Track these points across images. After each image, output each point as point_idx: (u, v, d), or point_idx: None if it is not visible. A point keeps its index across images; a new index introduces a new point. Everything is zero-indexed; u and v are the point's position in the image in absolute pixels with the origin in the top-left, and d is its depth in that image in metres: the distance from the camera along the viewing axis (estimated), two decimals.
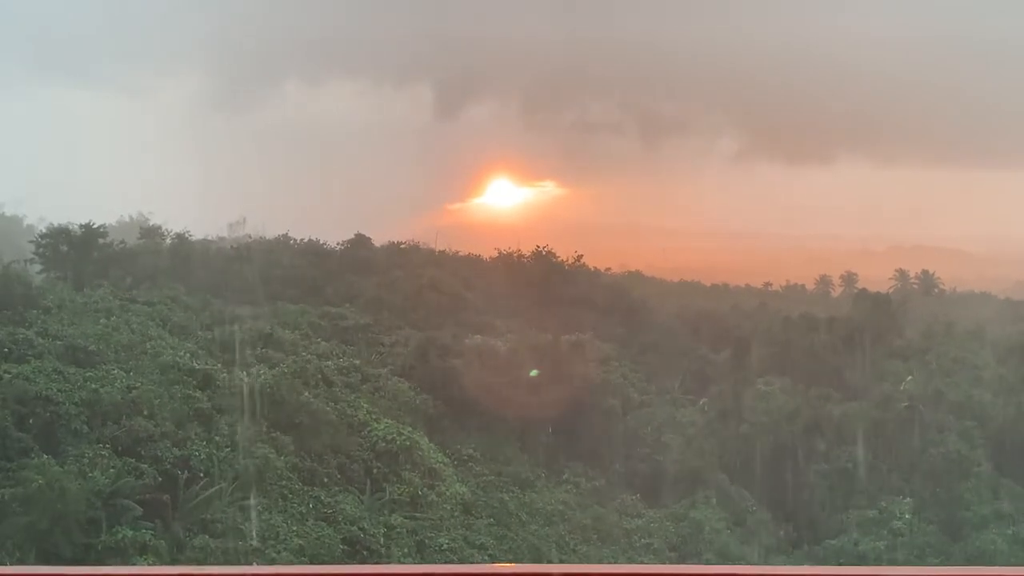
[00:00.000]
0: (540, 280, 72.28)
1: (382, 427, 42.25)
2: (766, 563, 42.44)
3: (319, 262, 73.73)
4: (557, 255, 77.81)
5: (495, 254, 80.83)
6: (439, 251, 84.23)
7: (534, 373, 51.12)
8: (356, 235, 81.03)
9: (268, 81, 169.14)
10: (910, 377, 57.68)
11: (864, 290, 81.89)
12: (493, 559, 37.37)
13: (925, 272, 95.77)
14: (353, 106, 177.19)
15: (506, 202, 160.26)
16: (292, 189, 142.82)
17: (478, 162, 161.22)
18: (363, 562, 33.59)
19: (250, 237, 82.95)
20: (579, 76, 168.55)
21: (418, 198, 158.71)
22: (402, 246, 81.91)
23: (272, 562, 31.30)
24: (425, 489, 39.77)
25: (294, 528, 34.21)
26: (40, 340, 38.14)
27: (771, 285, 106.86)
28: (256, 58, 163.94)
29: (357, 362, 49.02)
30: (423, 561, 34.87)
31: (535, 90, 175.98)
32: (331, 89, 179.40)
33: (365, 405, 43.87)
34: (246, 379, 38.69)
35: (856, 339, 63.18)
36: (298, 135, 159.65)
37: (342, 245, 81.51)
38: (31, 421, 33.43)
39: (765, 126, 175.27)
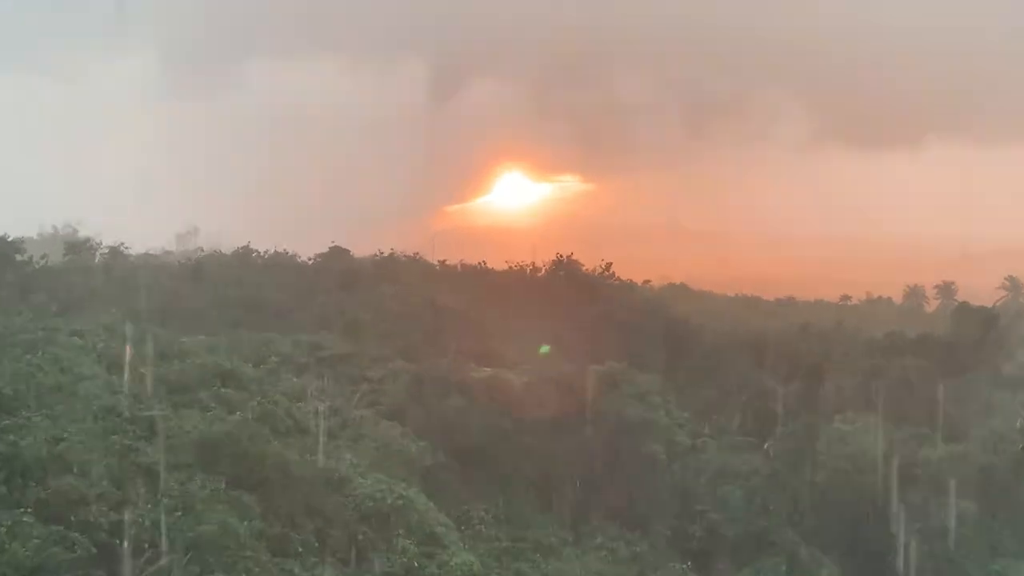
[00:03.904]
0: (562, 296, 72.52)
1: (369, 483, 41.94)
2: None
3: (289, 279, 74.19)
4: (582, 265, 78.28)
5: (506, 265, 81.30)
6: (437, 263, 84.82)
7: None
8: (334, 245, 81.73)
9: (227, 59, 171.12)
10: None
11: (965, 303, 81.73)
12: None
13: None
14: (332, 87, 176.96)
15: (518, 202, 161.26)
16: (256, 190, 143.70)
17: (484, 153, 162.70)
18: None
19: (203, 250, 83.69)
20: (606, 48, 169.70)
21: (411, 198, 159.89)
22: (391, 258, 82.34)
23: None
24: (423, 559, 39.44)
25: None
26: None
27: (849, 299, 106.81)
28: (213, 32, 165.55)
29: (337, 402, 48.90)
30: None
31: (553, 66, 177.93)
32: (305, 68, 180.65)
33: (348, 456, 43.71)
34: (200, 426, 38.60)
35: (956, 364, 62.82)
36: (264, 124, 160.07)
37: (317, 258, 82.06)
38: None
39: (835, 104, 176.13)
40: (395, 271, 79.15)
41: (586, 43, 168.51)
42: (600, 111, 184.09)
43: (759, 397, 62.11)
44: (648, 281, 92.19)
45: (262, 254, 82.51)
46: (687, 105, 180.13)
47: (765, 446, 56.92)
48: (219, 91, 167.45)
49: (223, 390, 44.37)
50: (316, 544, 38.57)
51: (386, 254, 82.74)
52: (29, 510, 33.17)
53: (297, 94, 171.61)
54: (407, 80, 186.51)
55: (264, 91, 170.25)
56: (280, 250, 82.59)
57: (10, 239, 64.20)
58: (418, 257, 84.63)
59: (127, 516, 34.21)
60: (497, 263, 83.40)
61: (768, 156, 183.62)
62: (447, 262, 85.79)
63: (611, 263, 79.01)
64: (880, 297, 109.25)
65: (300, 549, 37.68)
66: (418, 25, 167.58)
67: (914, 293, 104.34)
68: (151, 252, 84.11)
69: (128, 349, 49.89)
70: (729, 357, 68.28)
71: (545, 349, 58.04)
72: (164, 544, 33.67)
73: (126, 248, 76.21)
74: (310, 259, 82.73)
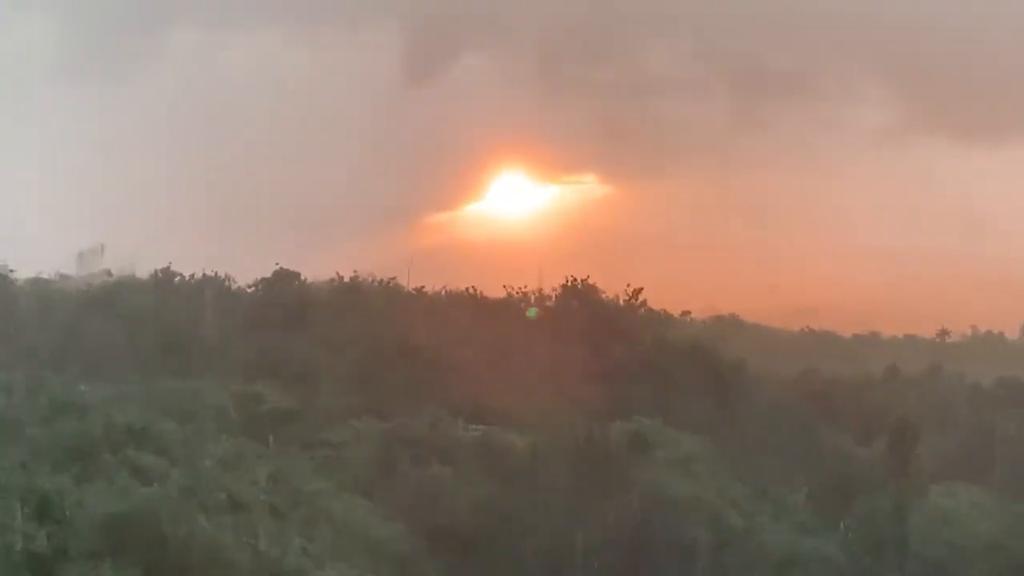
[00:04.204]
0: (576, 332, 72.32)
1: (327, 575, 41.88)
2: None
3: (222, 311, 74.00)
4: (601, 291, 78.07)
5: (504, 292, 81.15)
6: (415, 289, 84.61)
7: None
8: (279, 268, 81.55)
9: (143, 30, 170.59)
10: None
11: None
12: None
13: None
14: (281, 66, 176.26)
15: (519, 209, 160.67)
16: (181, 197, 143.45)
17: (476, 147, 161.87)
18: None
19: (111, 274, 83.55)
20: (632, 13, 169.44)
21: (383, 205, 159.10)
22: (355, 283, 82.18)
23: None
24: None
25: None
26: None
27: (948, 334, 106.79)
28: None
29: (286, 471, 48.78)
30: None
31: (563, 36, 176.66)
32: (245, 41, 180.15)
33: (299, 541, 43.58)
34: (108, 502, 38.48)
35: None
36: (191, 113, 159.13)
37: (259, 284, 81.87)
38: None
39: (930, 84, 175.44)
40: (360, 301, 78.95)
41: (606, 10, 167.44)
42: (624, 94, 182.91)
43: (833, 462, 61.87)
44: (688, 312, 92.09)
45: (187, 278, 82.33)
46: (736, 86, 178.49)
47: (841, 527, 56.73)
48: (132, 72, 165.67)
49: (137, 455, 44.23)
50: None
51: (348, 279, 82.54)
52: None
53: (235, 74, 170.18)
54: (378, 55, 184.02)
55: (191, 71, 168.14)
56: (211, 273, 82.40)
57: None
58: (391, 282, 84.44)
59: None
60: (493, 289, 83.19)
61: (840, 151, 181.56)
62: (427, 289, 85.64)
63: (640, 289, 78.66)
64: (989, 332, 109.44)
65: None
66: None
67: None
68: (44, 277, 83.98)
69: (13, 402, 49.81)
70: (794, 411, 68.03)
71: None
72: None
73: (11, 272, 76.16)
74: (250, 285, 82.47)
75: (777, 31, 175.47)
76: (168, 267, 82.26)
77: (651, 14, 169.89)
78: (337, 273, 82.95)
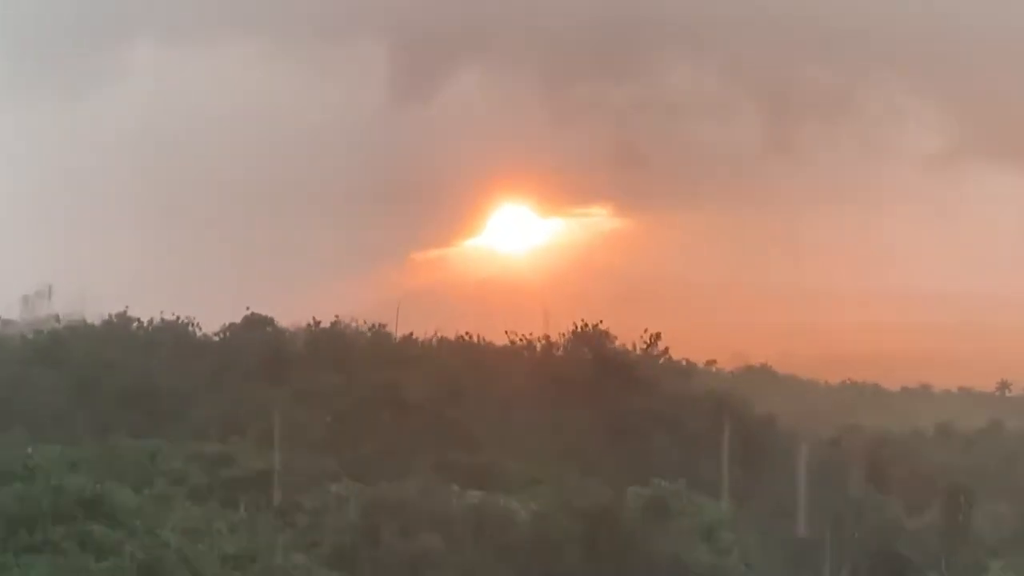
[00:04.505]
0: (587, 384, 72.48)
1: None
2: None
3: (185, 362, 74.15)
4: (614, 337, 78.15)
5: (504, 338, 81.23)
6: (402, 336, 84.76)
7: None
8: (250, 313, 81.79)
9: (98, 44, 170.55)
10: None
11: None
12: None
13: None
14: (253, 83, 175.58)
15: (521, 245, 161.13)
16: (139, 232, 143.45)
17: (473, 176, 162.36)
18: None
19: (59, 319, 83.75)
20: (651, 26, 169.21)
21: (368, 241, 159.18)
22: (334, 330, 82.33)
23: None
24: None
25: None
26: None
27: (1009, 387, 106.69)
28: (75, 3, 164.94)
29: (257, 543, 48.77)
30: None
31: (573, 52, 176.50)
32: (210, 55, 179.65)
33: None
34: None
35: None
36: (152, 136, 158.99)
37: (227, 330, 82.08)
38: None
39: (988, 104, 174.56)
40: (340, 349, 79.13)
41: (622, 19, 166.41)
42: (640, 115, 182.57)
43: (878, 533, 61.81)
44: (713, 362, 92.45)
45: (145, 324, 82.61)
46: (767, 106, 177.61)
47: None
48: (85, 88, 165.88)
49: (89, 526, 44.23)
50: None
51: (326, 325, 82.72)
52: None
53: (201, 94, 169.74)
54: (363, 72, 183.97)
55: (152, 90, 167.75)
56: (172, 318, 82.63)
57: None
58: (376, 328, 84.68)
59: None
60: (492, 334, 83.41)
61: (885, 179, 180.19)
62: (417, 334, 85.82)
63: (658, 334, 78.72)
64: None
65: None
66: None
67: None
68: None
69: None
70: (834, 474, 67.99)
71: None
72: None
73: None
74: (216, 332, 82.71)
75: (814, 44, 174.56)
76: (124, 312, 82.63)
77: (671, 25, 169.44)
78: (313, 318, 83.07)
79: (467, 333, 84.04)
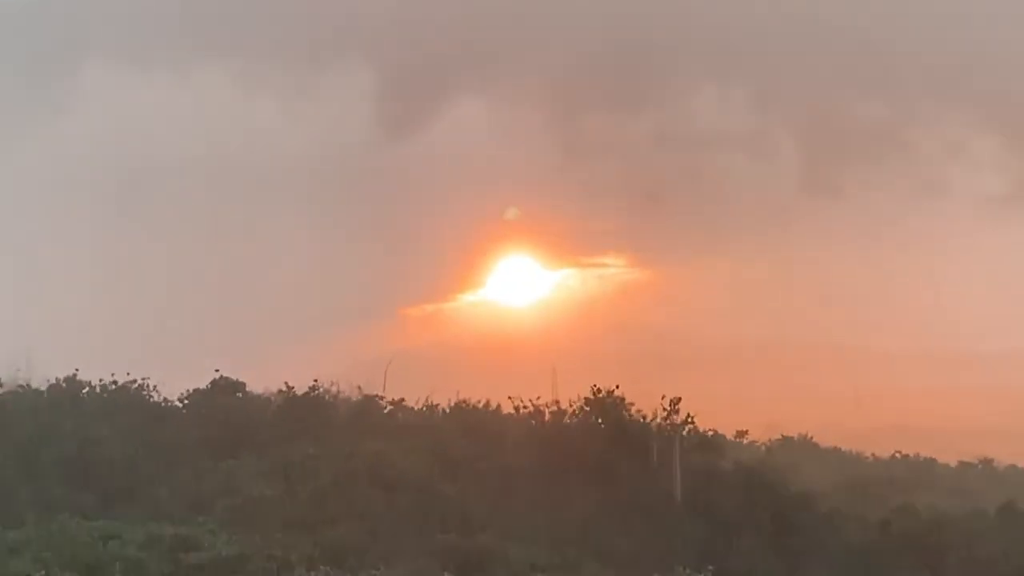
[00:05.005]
0: (601, 457, 72.28)
1: None
2: None
3: (143, 431, 74.03)
4: (631, 404, 78.00)
5: (506, 404, 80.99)
6: (390, 402, 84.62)
7: None
8: (218, 376, 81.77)
9: (46, 68, 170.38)
10: None
11: None
12: None
13: None
14: (221, 111, 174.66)
15: (525, 300, 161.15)
16: (90, 284, 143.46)
17: (472, 219, 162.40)
18: None
19: (0, 384, 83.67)
20: (670, 51, 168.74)
21: (351, 294, 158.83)
22: (313, 396, 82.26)
23: None
24: None
25: None
26: None
27: None
28: (24, 23, 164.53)
29: None
30: None
31: (583, 80, 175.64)
32: (176, 81, 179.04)
33: None
34: None
35: None
36: (107, 172, 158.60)
37: (190, 395, 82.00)
38: None
39: None
40: (319, 416, 79.10)
41: (639, 43, 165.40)
42: (660, 152, 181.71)
43: None
44: (744, 432, 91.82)
45: (98, 389, 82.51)
46: (805, 142, 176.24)
47: None
48: (31, 116, 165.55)
49: None
50: None
51: (303, 391, 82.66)
52: None
53: (164, 124, 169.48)
54: (348, 102, 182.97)
55: (108, 118, 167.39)
56: (128, 382, 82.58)
57: None
58: (360, 394, 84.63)
59: None
60: (493, 400, 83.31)
61: (940, 225, 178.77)
62: (408, 401, 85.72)
63: (679, 399, 78.60)
64: None
65: None
66: (369, 19, 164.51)
67: None
68: None
69: None
70: (883, 559, 67.97)
71: None
72: None
73: None
74: (180, 397, 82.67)
75: (859, 74, 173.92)
76: (73, 375, 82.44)
77: (696, 51, 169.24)
78: (286, 383, 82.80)
79: (465, 399, 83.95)
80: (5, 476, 65.27)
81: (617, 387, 78.10)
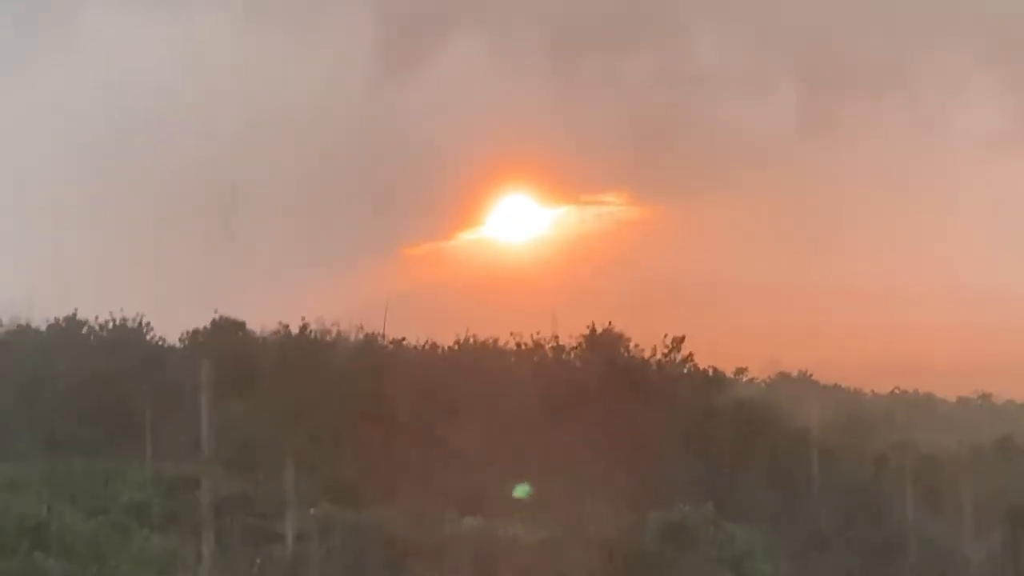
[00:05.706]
0: (600, 394, 72.35)
1: None
2: None
3: (144, 371, 74.10)
4: (630, 340, 78.03)
5: (510, 341, 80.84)
6: (390, 342, 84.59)
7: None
8: (219, 316, 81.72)
9: (51, 11, 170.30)
10: None
11: None
12: None
13: None
14: (219, 56, 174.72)
15: (525, 237, 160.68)
16: (89, 223, 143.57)
17: (471, 159, 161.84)
18: None
19: (0, 324, 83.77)
20: None
21: (352, 234, 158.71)
22: (313, 335, 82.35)
23: None
24: None
25: None
26: None
27: None
28: None
29: None
30: None
31: (582, 18, 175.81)
32: (174, 21, 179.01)
33: None
34: None
35: None
36: (106, 115, 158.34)
37: (192, 335, 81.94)
38: None
39: None
40: (319, 357, 79.03)
41: None
42: (660, 91, 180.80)
43: (933, 561, 61.91)
44: (744, 370, 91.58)
45: (98, 329, 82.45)
46: (806, 80, 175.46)
47: None
48: (25, 60, 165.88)
49: (35, 556, 44.44)
50: None
51: (305, 330, 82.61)
52: None
53: (162, 66, 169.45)
54: (347, 43, 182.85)
55: (106, 61, 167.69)
56: (129, 322, 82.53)
57: None
58: (361, 333, 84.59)
59: None
60: (497, 336, 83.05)
61: (941, 164, 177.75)
62: (409, 340, 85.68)
63: (681, 338, 78.47)
64: None
65: None
66: None
67: None
68: None
69: None
70: (882, 494, 68.16)
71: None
72: None
73: None
74: (180, 337, 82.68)
75: (860, 11, 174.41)
76: (73, 315, 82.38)
77: None
78: (280, 323, 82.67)
79: (465, 336, 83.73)
80: (10, 416, 65.43)
81: (610, 323, 78.12)
